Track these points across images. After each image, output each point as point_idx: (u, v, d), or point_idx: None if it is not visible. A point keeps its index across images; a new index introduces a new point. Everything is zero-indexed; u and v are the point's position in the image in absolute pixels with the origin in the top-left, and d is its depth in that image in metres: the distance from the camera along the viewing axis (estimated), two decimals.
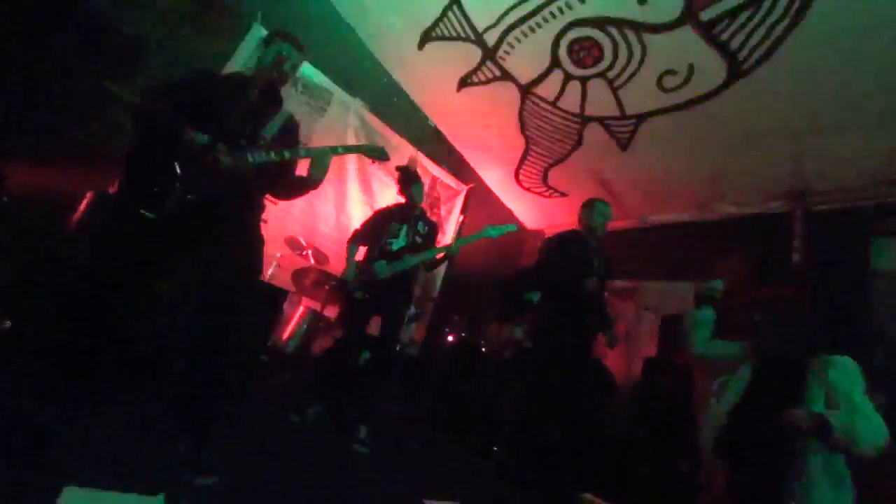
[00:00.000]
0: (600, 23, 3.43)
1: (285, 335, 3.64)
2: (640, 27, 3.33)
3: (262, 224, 1.86)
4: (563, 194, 5.45)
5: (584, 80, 3.93)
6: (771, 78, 3.18)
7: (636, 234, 4.79)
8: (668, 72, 3.52)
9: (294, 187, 1.92)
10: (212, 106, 1.67)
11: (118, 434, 1.58)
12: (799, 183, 3.83)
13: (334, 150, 1.94)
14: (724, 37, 3.12)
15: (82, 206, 2.46)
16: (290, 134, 1.91)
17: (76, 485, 1.16)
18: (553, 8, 3.48)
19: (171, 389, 1.71)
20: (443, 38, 4.17)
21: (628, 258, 4.31)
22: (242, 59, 3.83)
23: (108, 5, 3.13)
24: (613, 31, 3.43)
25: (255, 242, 1.78)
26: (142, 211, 1.47)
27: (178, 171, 1.53)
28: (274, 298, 3.16)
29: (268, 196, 1.94)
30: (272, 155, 1.69)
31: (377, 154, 2.13)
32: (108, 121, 3.18)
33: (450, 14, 3.95)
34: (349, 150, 2.13)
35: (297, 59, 1.89)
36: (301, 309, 3.76)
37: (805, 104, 3.25)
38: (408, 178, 3.08)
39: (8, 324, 2.06)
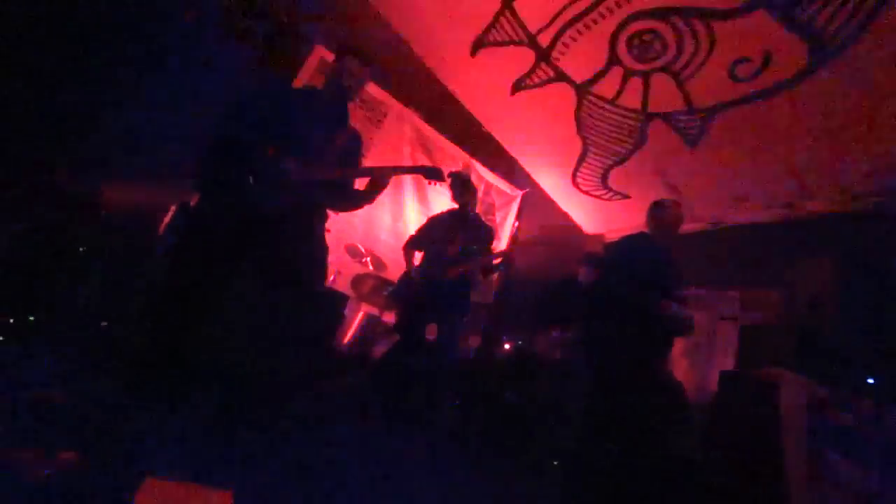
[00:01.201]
0: (663, 13, 3.25)
1: (345, 340, 3.75)
2: (707, 14, 3.11)
3: (325, 233, 1.93)
4: (624, 196, 5.19)
5: (646, 75, 3.73)
6: (860, 60, 2.83)
7: (709, 237, 4.44)
8: (741, 60, 3.24)
9: (353, 201, 1.98)
10: (283, 119, 1.76)
11: (192, 432, 1.69)
12: (892, 177, 3.36)
13: (395, 171, 2.02)
14: (805, 17, 2.83)
15: (167, 218, 2.70)
16: (354, 148, 1.98)
17: (155, 477, 1.25)
18: (610, 3, 3.34)
19: (238, 391, 1.81)
20: (495, 43, 4.16)
21: (701, 263, 4.00)
22: (304, 80, 4.06)
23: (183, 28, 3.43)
24: (677, 20, 3.23)
25: (319, 250, 1.85)
26: (216, 218, 1.57)
27: (251, 182, 1.62)
28: (335, 303, 3.27)
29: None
30: (337, 171, 1.75)
31: (434, 175, 2.15)
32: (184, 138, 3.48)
33: (502, 19, 3.93)
34: (408, 171, 2.32)
35: (364, 75, 1.94)
36: (360, 314, 3.86)
37: None
38: (461, 185, 3.08)
39: (104, 325, 2.30)
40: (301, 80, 4.05)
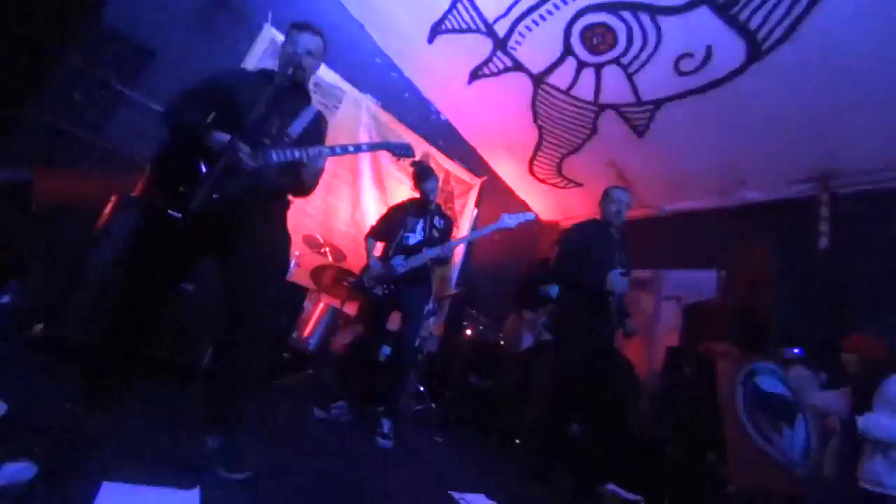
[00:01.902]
0: (613, 7, 3.37)
1: (306, 332, 3.69)
2: (654, 10, 3.26)
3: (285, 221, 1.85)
4: (578, 185, 5.39)
5: (598, 67, 3.86)
6: (792, 57, 3.08)
7: (655, 222, 4.70)
8: (685, 55, 3.43)
9: (311, 182, 1.87)
10: (235, 104, 1.67)
11: (151, 431, 1.62)
12: (823, 165, 3.70)
13: (358, 148, 1.90)
14: (743, 16, 3.03)
15: (107, 210, 2.52)
16: (316, 130, 1.88)
17: (113, 481, 1.19)
18: None
19: (200, 386, 1.75)
20: (453, 30, 4.15)
21: (648, 247, 4.24)
22: (254, 61, 3.88)
23: (122, 14, 3.18)
24: (627, 15, 3.36)
25: (280, 240, 1.79)
26: (168, 212, 1.49)
27: (203, 171, 1.54)
28: (295, 296, 3.20)
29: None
30: (296, 154, 1.67)
31: (403, 150, 2.04)
32: (126, 126, 3.26)
33: (459, 6, 3.92)
34: (374, 147, 2.08)
35: (316, 46, 1.84)
36: (321, 306, 3.80)
37: (829, 83, 3.13)
38: (422, 174, 3.07)
39: (41, 326, 2.13)
40: (250, 61, 3.87)
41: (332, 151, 1.79)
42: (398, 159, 2.11)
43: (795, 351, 3.21)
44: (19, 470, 1.03)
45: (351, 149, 1.88)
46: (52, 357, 1.98)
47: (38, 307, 2.12)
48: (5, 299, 2.07)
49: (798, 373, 2.93)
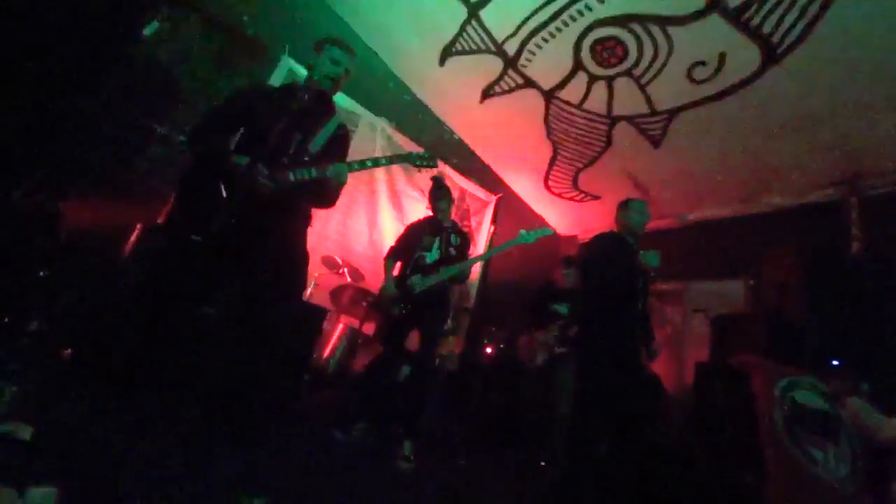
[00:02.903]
0: (622, 21, 3.38)
1: (325, 353, 3.69)
2: (664, 21, 3.25)
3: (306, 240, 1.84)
4: (595, 197, 5.34)
5: (609, 80, 3.86)
6: (809, 59, 3.03)
7: (678, 233, 4.61)
8: (698, 63, 3.41)
9: (333, 195, 1.86)
10: (257, 123, 1.69)
11: (173, 454, 1.62)
12: (851, 167, 3.58)
13: (376, 162, 1.88)
14: (755, 21, 3.00)
15: (133, 238, 2.60)
16: (338, 144, 1.88)
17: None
18: (572, 11, 3.46)
19: (219, 410, 1.75)
20: (463, 52, 4.23)
21: (671, 259, 4.14)
22: None
23: (147, 49, 3.35)
24: (637, 27, 3.37)
25: (298, 261, 1.78)
26: (190, 236, 1.52)
27: (224, 194, 1.57)
28: (314, 317, 3.21)
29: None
30: (313, 173, 1.67)
31: (425, 161, 2.01)
32: (152, 158, 3.39)
33: (468, 28, 4.00)
34: (394, 160, 2.00)
35: (350, 64, 1.86)
36: (340, 326, 3.80)
37: (848, 83, 3.06)
38: (435, 193, 3.09)
39: (68, 352, 2.18)
40: None
41: (351, 167, 1.78)
42: (419, 170, 2.06)
43: (835, 363, 3.04)
44: (43, 495, 1.03)
45: (369, 163, 1.88)
46: (79, 381, 2.02)
47: (66, 332, 2.18)
48: (34, 325, 2.14)
49: (853, 409, 2.75)
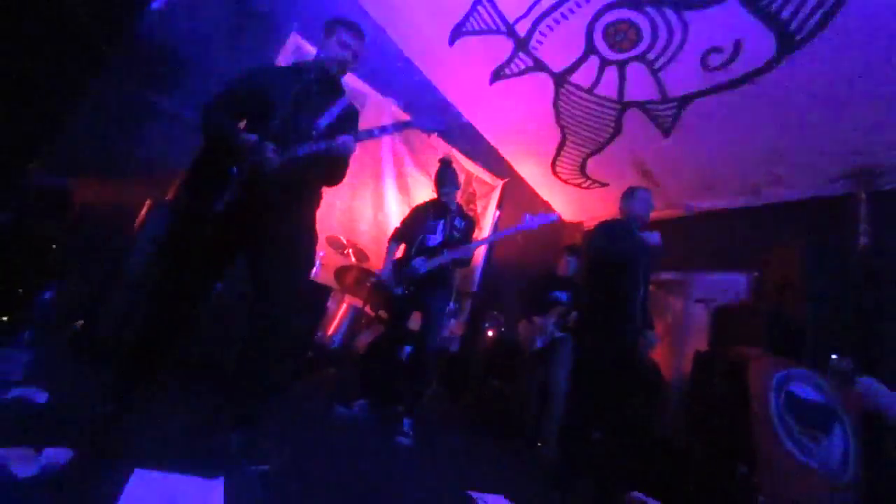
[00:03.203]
0: (637, 3, 3.30)
1: (330, 331, 3.76)
2: (680, 4, 3.18)
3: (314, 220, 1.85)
4: (603, 185, 5.30)
5: (621, 65, 3.79)
6: (827, 49, 2.95)
7: (683, 222, 4.57)
8: (713, 49, 3.33)
9: (342, 169, 1.86)
10: (267, 102, 1.70)
11: (181, 426, 1.69)
12: (862, 162, 3.52)
13: (383, 130, 1.87)
14: (774, 8, 2.92)
15: (142, 214, 2.64)
16: (347, 122, 1.87)
17: (145, 468, 1.25)
18: None
19: (226, 383, 1.81)
20: (473, 32, 4.16)
21: (675, 248, 4.12)
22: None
23: (154, 25, 3.33)
24: (651, 10, 3.29)
25: (306, 239, 1.79)
26: (199, 212, 1.55)
27: (233, 172, 1.59)
28: (319, 295, 3.27)
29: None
30: (321, 145, 1.67)
31: (429, 124, 2.01)
32: (159, 134, 3.41)
33: (479, 8, 3.92)
34: (399, 127, 2.00)
35: (359, 47, 1.86)
36: (344, 306, 3.87)
37: (866, 74, 2.98)
38: (441, 177, 3.09)
39: (80, 323, 2.25)
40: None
41: (357, 138, 1.77)
42: (428, 136, 2.02)
43: (834, 357, 3.05)
44: (57, 454, 1.09)
45: (376, 132, 1.86)
46: (90, 353, 2.09)
47: (77, 306, 2.24)
48: (47, 296, 2.21)
49: (865, 387, 2.77)
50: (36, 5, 1.89)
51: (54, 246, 2.20)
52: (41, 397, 1.40)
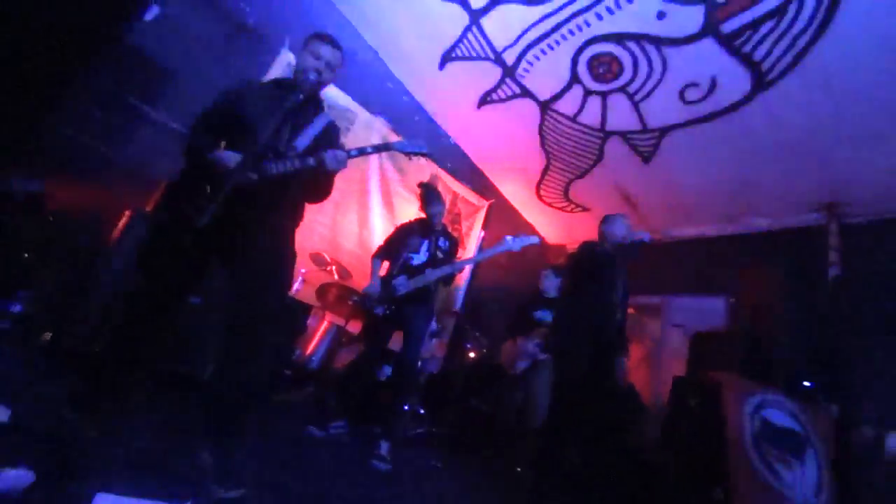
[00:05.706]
0: (619, 38, 3.45)
1: (309, 349, 3.69)
2: (659, 41, 3.33)
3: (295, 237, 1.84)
4: (584, 209, 5.41)
5: (604, 95, 3.94)
6: (798, 88, 3.13)
7: (662, 248, 4.69)
8: (691, 84, 3.49)
9: (326, 188, 1.86)
10: (246, 119, 1.70)
11: (149, 444, 1.63)
12: (832, 194, 3.70)
13: (361, 151, 1.84)
14: (748, 48, 3.09)
15: (121, 224, 2.58)
16: (328, 139, 1.86)
17: (108, 492, 1.20)
18: (571, 26, 3.52)
19: (200, 400, 1.76)
20: (463, 58, 4.27)
21: (654, 273, 4.22)
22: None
23: (145, 35, 3.32)
24: (633, 46, 3.45)
25: (285, 256, 1.78)
26: (177, 227, 1.53)
27: (210, 189, 1.58)
28: (297, 313, 3.23)
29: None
30: (296, 163, 1.66)
31: (414, 148, 1.97)
32: (144, 144, 3.37)
33: (469, 35, 4.04)
34: (379, 148, 1.96)
35: (335, 58, 1.84)
36: (325, 324, 3.81)
37: (834, 113, 3.16)
38: (428, 197, 3.12)
39: (48, 335, 2.17)
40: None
41: (350, 154, 1.76)
42: (409, 158, 2.02)
43: (807, 384, 3.13)
44: (18, 476, 1.04)
45: (369, 149, 1.86)
46: (58, 365, 2.01)
47: (47, 316, 2.16)
48: (17, 307, 2.12)
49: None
50: (20, 10, 1.88)
51: (26, 254, 2.13)
52: (3, 415, 1.33)
